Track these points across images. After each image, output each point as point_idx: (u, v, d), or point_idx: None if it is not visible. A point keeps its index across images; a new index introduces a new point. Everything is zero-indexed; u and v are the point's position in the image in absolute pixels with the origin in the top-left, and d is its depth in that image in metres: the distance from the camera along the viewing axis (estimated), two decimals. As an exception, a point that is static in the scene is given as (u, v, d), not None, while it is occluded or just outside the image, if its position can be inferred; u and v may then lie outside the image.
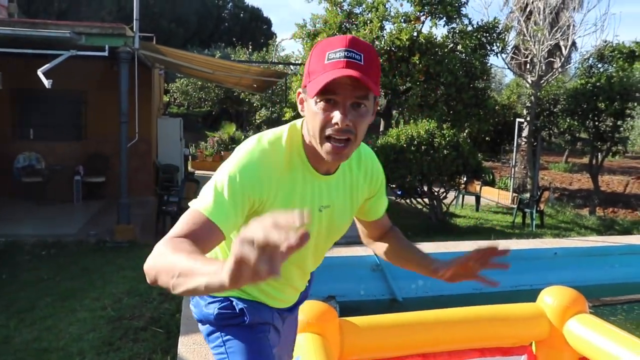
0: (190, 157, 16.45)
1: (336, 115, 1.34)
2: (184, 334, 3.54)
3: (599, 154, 13.91)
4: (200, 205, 1.35)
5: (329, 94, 1.33)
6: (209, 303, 1.66)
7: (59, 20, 11.53)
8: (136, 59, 8.46)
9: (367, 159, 1.66)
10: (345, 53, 1.33)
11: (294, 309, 1.85)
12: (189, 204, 1.40)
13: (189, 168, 15.50)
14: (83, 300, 5.24)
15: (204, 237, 1.31)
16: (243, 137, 19.35)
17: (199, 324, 1.75)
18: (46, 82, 6.96)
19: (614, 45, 15.40)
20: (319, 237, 1.63)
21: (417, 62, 10.90)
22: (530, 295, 6.28)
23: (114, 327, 4.57)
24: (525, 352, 2.75)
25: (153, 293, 5.30)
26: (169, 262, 1.14)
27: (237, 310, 1.64)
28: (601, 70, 14.95)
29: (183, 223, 1.32)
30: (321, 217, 1.57)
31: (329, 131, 1.36)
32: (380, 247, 1.87)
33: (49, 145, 10.83)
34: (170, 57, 10.12)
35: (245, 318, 1.63)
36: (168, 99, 23.69)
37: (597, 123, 13.02)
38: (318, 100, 1.35)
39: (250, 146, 1.45)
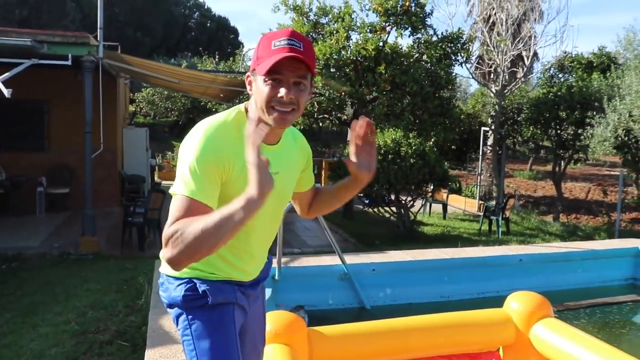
0: (156, 167, 16.25)
1: (281, 91, 1.63)
2: (150, 347, 3.48)
3: (562, 161, 14.23)
4: (187, 191, 1.59)
5: (275, 74, 1.62)
6: (177, 286, 1.81)
7: (20, 27, 11.31)
8: (100, 68, 8.34)
9: (301, 137, 1.99)
10: (288, 41, 1.63)
11: (256, 286, 1.98)
12: (170, 191, 1.63)
13: (156, 178, 15.31)
14: (45, 315, 5.10)
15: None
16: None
17: (169, 309, 1.89)
18: (6, 92, 6.80)
19: (573, 56, 15.84)
20: (273, 201, 1.82)
21: (383, 71, 10.99)
22: (497, 301, 6.32)
23: (77, 341, 4.46)
24: (492, 357, 2.77)
25: (118, 306, 5.20)
26: (202, 224, 1.48)
27: (200, 292, 1.78)
28: (562, 80, 15.34)
29: (181, 210, 1.57)
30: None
31: (274, 103, 1.64)
32: (318, 208, 2.15)
33: (10, 156, 10.56)
34: (136, 66, 10.01)
35: (209, 299, 1.78)
36: (134, 109, 23.39)
37: (559, 131, 13.32)
38: (266, 79, 1.63)
39: (204, 130, 1.67)
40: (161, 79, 11.89)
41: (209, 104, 20.85)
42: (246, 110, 1.77)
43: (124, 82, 14.05)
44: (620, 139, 10.64)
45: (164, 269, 1.89)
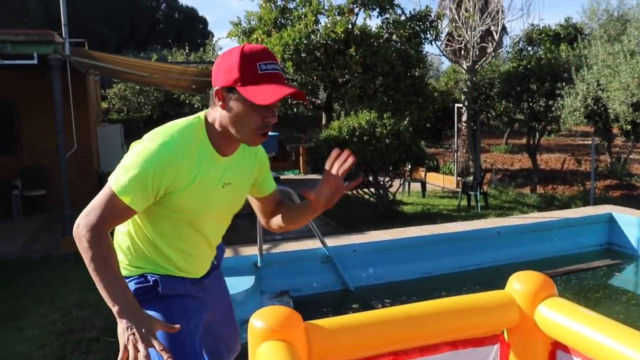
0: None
1: (271, 117, 1.70)
2: (138, 342, 3.49)
3: (536, 133, 14.40)
4: (120, 191, 1.65)
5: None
6: (128, 282, 1.85)
7: (-18, 29, 11.06)
8: (68, 65, 8.22)
9: (259, 147, 2.00)
10: (274, 66, 1.68)
11: (208, 275, 2.08)
12: (110, 179, 1.68)
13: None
14: (30, 318, 5.08)
15: (124, 219, 1.72)
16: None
17: None
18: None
19: (541, 28, 15.99)
20: (224, 209, 1.94)
21: (354, 53, 11.01)
22: (479, 274, 6.46)
23: (64, 341, 4.47)
24: (497, 340, 2.72)
25: (103, 303, 5.19)
26: (107, 267, 1.67)
27: (152, 282, 1.87)
28: (531, 52, 15.48)
29: (108, 210, 1.65)
30: (224, 192, 1.86)
31: (263, 129, 1.72)
32: (277, 221, 2.13)
33: (-20, 161, 10.38)
34: (104, 62, 9.88)
35: (159, 289, 1.86)
36: (106, 105, 23.10)
37: (531, 104, 13.46)
38: (258, 105, 1.65)
39: (163, 138, 1.71)
40: (131, 74, 11.76)
41: (182, 96, 20.67)
42: (206, 122, 1.80)
43: (94, 78, 13.86)
44: (589, 108, 10.81)
45: None
